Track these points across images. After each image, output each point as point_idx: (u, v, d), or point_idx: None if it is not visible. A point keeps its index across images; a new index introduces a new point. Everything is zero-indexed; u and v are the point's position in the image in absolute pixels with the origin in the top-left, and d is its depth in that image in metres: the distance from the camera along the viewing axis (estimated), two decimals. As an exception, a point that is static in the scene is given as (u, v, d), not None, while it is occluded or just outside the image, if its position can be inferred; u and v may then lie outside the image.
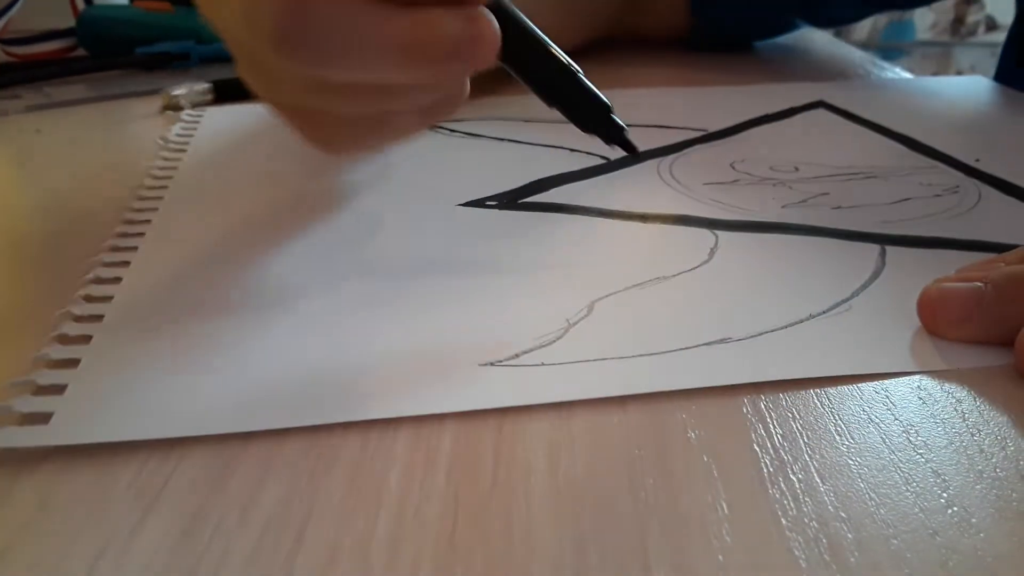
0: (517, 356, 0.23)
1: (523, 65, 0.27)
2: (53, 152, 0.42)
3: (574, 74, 0.27)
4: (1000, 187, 0.35)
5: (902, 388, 0.22)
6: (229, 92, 0.49)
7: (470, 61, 0.24)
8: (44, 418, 0.20)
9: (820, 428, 0.20)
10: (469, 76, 0.27)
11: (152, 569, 0.16)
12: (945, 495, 0.18)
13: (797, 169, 0.37)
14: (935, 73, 2.52)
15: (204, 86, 0.49)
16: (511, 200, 0.33)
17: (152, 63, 0.58)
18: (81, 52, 0.62)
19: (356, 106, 0.26)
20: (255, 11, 0.23)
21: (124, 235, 0.30)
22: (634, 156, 0.28)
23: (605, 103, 0.27)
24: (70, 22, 0.63)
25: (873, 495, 0.18)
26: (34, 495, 0.18)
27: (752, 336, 0.24)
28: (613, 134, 0.27)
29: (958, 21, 2.81)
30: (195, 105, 0.48)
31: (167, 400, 0.21)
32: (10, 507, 0.18)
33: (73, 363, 0.22)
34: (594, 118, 0.27)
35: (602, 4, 0.57)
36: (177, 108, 0.47)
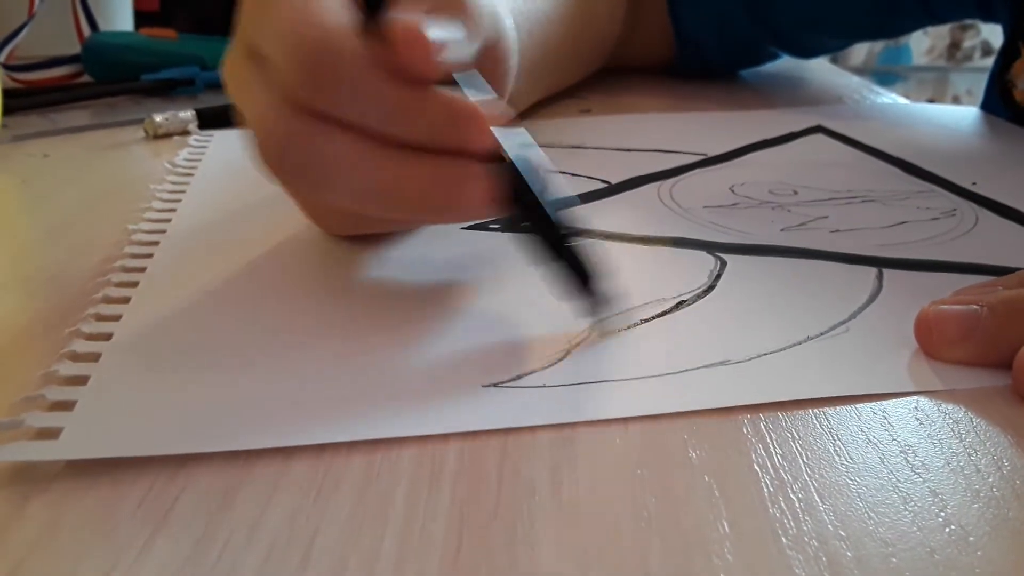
0: (519, 378, 0.23)
1: (518, 219, 0.25)
2: (61, 176, 0.42)
3: (564, 239, 0.24)
4: (997, 210, 0.36)
5: (900, 409, 0.22)
6: (213, 120, 0.50)
7: (454, 214, 0.24)
8: (54, 433, 0.20)
9: (819, 448, 0.20)
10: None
11: (161, 587, 0.16)
12: (943, 514, 0.18)
13: (796, 193, 0.38)
14: (931, 98, 2.53)
15: (188, 114, 0.49)
16: (514, 223, 0.34)
17: (157, 89, 0.59)
18: (86, 79, 0.63)
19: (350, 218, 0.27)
20: (261, 133, 0.24)
21: (134, 256, 0.31)
22: (613, 334, 0.25)
23: (595, 271, 0.25)
24: (76, 49, 0.63)
25: (872, 514, 0.18)
26: (45, 514, 0.18)
27: (751, 358, 0.24)
28: (596, 304, 0.25)
29: (954, 46, 2.84)
30: (180, 133, 0.48)
31: (175, 417, 0.21)
32: (21, 526, 0.18)
33: (83, 380, 0.23)
34: (581, 286, 0.25)
35: (604, 38, 0.59)
36: (160, 136, 0.48)
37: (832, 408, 0.22)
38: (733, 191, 0.38)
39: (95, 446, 0.20)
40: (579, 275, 0.25)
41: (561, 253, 0.25)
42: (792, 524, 0.18)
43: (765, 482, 0.19)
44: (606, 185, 0.39)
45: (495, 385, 0.23)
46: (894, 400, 0.22)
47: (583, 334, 0.25)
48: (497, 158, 0.24)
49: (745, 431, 0.21)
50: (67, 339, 0.25)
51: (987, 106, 0.55)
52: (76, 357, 0.24)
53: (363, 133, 0.23)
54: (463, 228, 0.33)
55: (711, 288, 0.28)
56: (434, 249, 0.32)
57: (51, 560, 0.17)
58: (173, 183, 0.39)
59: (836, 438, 0.21)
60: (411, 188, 0.24)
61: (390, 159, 0.23)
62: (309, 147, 0.23)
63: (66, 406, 0.22)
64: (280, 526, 0.18)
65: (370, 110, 0.23)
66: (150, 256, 0.31)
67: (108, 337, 0.25)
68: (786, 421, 0.21)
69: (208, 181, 0.40)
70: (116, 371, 0.23)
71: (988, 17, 0.56)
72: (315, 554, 0.17)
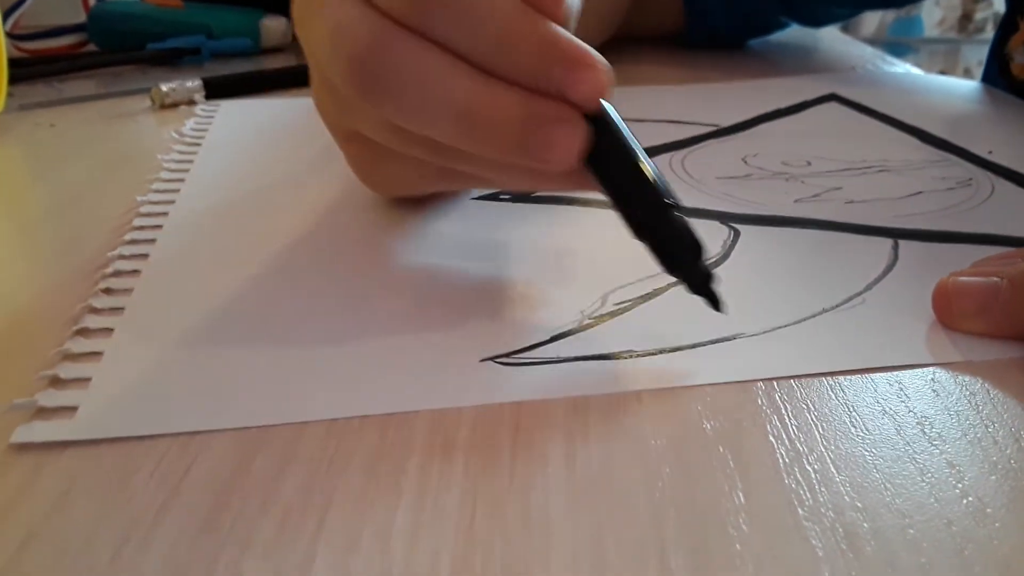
0: (533, 349, 0.23)
1: (614, 188, 0.23)
2: (68, 146, 0.42)
3: (667, 209, 0.23)
4: (1013, 179, 0.35)
5: (916, 380, 0.22)
6: (220, 90, 0.49)
7: (535, 157, 0.22)
8: (70, 412, 0.20)
9: (835, 419, 0.20)
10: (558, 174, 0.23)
11: (175, 555, 0.16)
12: (960, 486, 0.18)
13: (809, 163, 0.37)
14: (942, 70, 2.51)
15: (195, 83, 0.49)
16: (524, 193, 0.34)
17: (163, 58, 0.59)
18: (92, 48, 0.63)
19: (420, 152, 0.25)
20: (339, 43, 0.23)
21: (142, 228, 0.30)
22: (719, 311, 0.23)
23: (697, 245, 0.23)
24: (81, 18, 0.63)
25: (888, 485, 0.18)
26: (58, 482, 0.18)
27: (766, 331, 0.24)
28: (698, 281, 0.23)
29: (966, 18, 2.80)
30: (186, 103, 0.48)
31: (188, 393, 0.21)
32: (35, 494, 0.18)
33: (96, 356, 0.23)
34: (681, 262, 0.23)
35: (617, 7, 0.58)
36: (166, 105, 0.48)
37: (847, 379, 0.22)
38: (746, 162, 0.38)
39: (111, 425, 0.20)
40: (676, 250, 0.23)
41: (657, 226, 0.23)
42: (808, 495, 0.18)
43: (780, 453, 0.19)
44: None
45: (507, 356, 0.23)
46: (910, 371, 0.22)
47: (595, 305, 0.25)
48: (596, 116, 0.22)
49: (760, 402, 0.21)
50: (79, 314, 0.25)
51: (987, 78, 0.54)
52: (88, 333, 0.24)
53: (459, 54, 0.22)
54: (473, 198, 0.33)
55: (725, 258, 0.28)
56: (445, 220, 0.31)
57: (65, 529, 0.17)
58: (180, 153, 0.39)
59: (852, 409, 0.21)
60: (500, 118, 0.22)
61: (485, 84, 0.22)
62: (400, 59, 0.22)
63: (81, 383, 0.21)
64: (293, 496, 0.18)
65: (475, 32, 0.22)
66: (159, 227, 0.31)
67: (120, 311, 0.25)
68: (801, 392, 0.21)
69: (215, 151, 0.39)
70: (129, 346, 0.23)
71: None
72: (328, 524, 0.17)
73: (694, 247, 0.23)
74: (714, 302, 0.23)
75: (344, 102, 0.26)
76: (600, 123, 0.22)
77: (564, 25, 0.23)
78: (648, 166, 0.23)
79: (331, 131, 0.29)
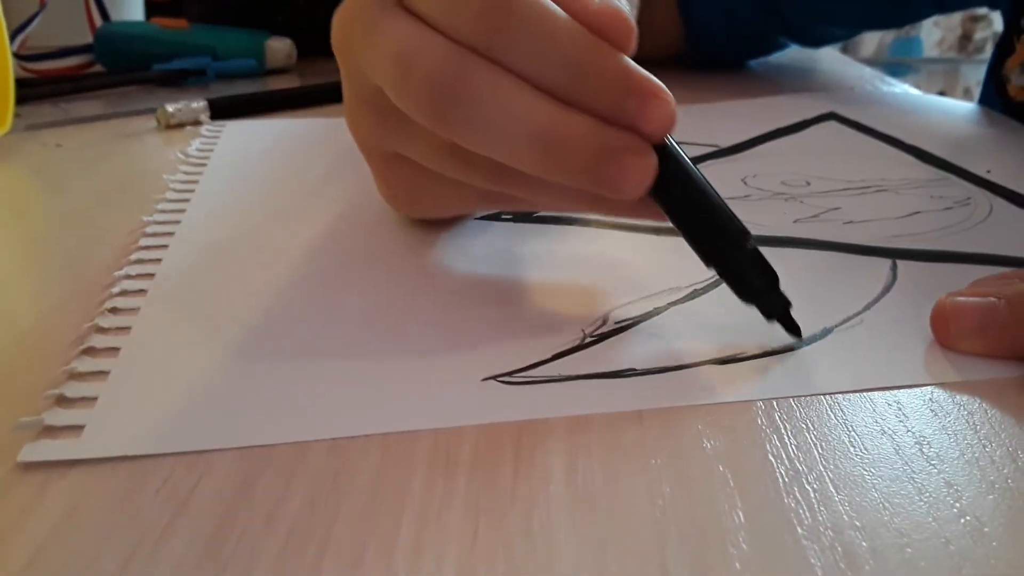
0: (534, 368, 0.23)
1: (683, 218, 0.24)
2: (74, 167, 0.42)
3: (740, 238, 0.24)
4: (1012, 199, 0.35)
5: (914, 400, 0.22)
6: (225, 110, 0.50)
7: (607, 186, 0.22)
8: (76, 431, 0.21)
9: (834, 439, 0.20)
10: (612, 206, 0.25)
11: (181, 573, 0.16)
12: (958, 505, 0.18)
13: (808, 184, 0.38)
14: (942, 91, 2.52)
15: (200, 104, 0.49)
16: (527, 213, 0.34)
17: (169, 79, 0.59)
18: (98, 68, 0.63)
19: (474, 177, 0.25)
20: (411, 68, 0.23)
21: (147, 248, 0.31)
22: (797, 338, 0.24)
23: (772, 274, 0.24)
24: (87, 39, 0.64)
25: (887, 505, 0.18)
26: (64, 501, 0.18)
27: (765, 351, 0.24)
28: (775, 309, 0.24)
29: (965, 38, 2.81)
30: (192, 123, 0.48)
31: (195, 411, 0.21)
32: (41, 511, 0.18)
33: (102, 375, 0.23)
34: (755, 290, 0.24)
35: None
36: (172, 126, 0.48)
37: (846, 398, 0.22)
38: (745, 183, 0.38)
39: (118, 443, 0.20)
40: (752, 279, 0.24)
41: (731, 256, 0.24)
42: (807, 514, 0.18)
43: (780, 472, 0.19)
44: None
45: (509, 375, 0.23)
46: (908, 391, 0.22)
47: (597, 323, 0.25)
48: (661, 146, 0.23)
49: (760, 421, 0.21)
50: (85, 333, 0.25)
51: (984, 99, 0.54)
52: (94, 352, 0.24)
53: (532, 81, 0.22)
54: (475, 218, 0.33)
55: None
56: (446, 239, 0.32)
57: (71, 547, 0.17)
58: (186, 173, 0.39)
59: (851, 429, 0.21)
60: (577, 145, 0.22)
61: (562, 111, 0.22)
62: (479, 84, 0.22)
63: (87, 402, 0.22)
64: (298, 513, 0.18)
65: (549, 60, 0.22)
66: (165, 247, 0.31)
67: (126, 331, 0.25)
68: (800, 411, 0.21)
69: (221, 171, 0.40)
70: (135, 366, 0.23)
71: (994, 5, 0.56)
72: (333, 541, 0.17)
73: (770, 276, 0.24)
74: (792, 328, 0.24)
75: (393, 125, 0.26)
76: (665, 153, 0.23)
77: (630, 56, 0.23)
78: (716, 196, 0.24)
79: (365, 152, 0.29)
